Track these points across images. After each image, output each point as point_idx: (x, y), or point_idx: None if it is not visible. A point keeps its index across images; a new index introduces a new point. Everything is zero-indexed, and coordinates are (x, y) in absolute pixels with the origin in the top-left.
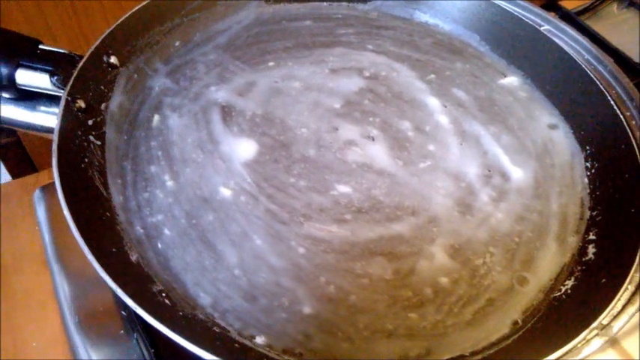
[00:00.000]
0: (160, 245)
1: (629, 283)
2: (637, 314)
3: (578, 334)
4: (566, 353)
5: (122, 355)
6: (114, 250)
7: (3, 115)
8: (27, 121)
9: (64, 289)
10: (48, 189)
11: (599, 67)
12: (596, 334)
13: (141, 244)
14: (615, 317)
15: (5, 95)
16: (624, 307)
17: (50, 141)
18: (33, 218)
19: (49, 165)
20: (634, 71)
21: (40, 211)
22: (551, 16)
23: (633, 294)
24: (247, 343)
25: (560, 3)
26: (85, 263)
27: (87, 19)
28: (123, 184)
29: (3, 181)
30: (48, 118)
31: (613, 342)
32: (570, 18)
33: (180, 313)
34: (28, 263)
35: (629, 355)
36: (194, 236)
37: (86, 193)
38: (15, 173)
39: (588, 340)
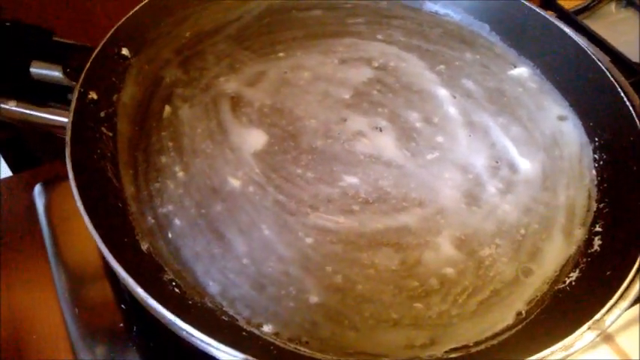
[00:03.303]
0: (170, 235)
1: (633, 276)
2: (630, 309)
3: (580, 326)
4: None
5: (122, 347)
6: (126, 240)
7: (13, 113)
8: (38, 115)
9: (63, 282)
10: (48, 184)
11: (603, 67)
12: (588, 328)
13: (152, 233)
14: (608, 311)
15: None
16: (617, 301)
17: (53, 136)
18: (33, 213)
19: (50, 160)
20: (631, 70)
21: (40, 206)
22: (548, 15)
23: (626, 289)
24: (255, 331)
25: (559, 2)
26: (84, 257)
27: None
28: (134, 175)
29: (3, 176)
30: (57, 113)
31: (607, 338)
32: (568, 17)
33: (190, 302)
34: (28, 258)
35: (623, 352)
36: (204, 226)
37: (98, 184)
38: (15, 168)
39: (581, 334)
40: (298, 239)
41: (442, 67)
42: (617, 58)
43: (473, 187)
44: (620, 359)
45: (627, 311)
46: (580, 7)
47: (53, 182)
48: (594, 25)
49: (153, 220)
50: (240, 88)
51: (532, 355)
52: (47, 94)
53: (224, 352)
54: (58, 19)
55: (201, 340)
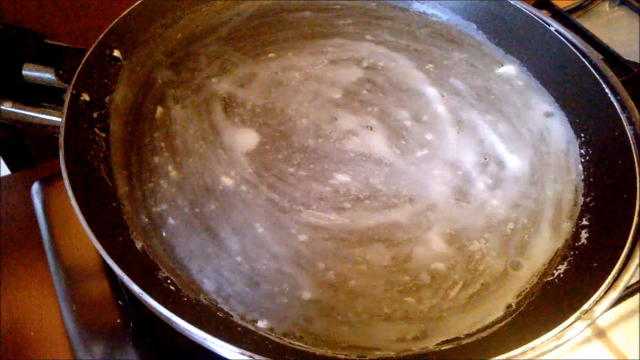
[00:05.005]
0: (164, 234)
1: (620, 267)
2: (622, 304)
3: (568, 317)
4: (563, 334)
5: (119, 343)
6: (120, 239)
7: (9, 114)
8: (33, 116)
9: (61, 279)
10: (46, 182)
11: (588, 64)
12: (578, 317)
13: (146, 232)
14: (598, 302)
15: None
16: (606, 291)
17: (50, 135)
18: (31, 211)
19: (48, 158)
20: (623, 68)
21: (38, 203)
22: (542, 14)
23: (615, 279)
24: (250, 327)
25: (553, 1)
26: (81, 254)
27: (85, 14)
28: (128, 175)
29: (2, 175)
30: (52, 113)
31: (600, 335)
32: (562, 16)
33: (185, 299)
34: (26, 255)
35: (617, 349)
36: (197, 225)
37: (92, 184)
38: (14, 167)
39: (571, 324)
40: (291, 237)
41: (430, 66)
42: (609, 56)
43: (462, 184)
44: (614, 357)
45: (619, 307)
46: (574, 6)
47: (51, 180)
48: (588, 23)
49: (147, 220)
50: (232, 89)
51: (523, 344)
52: (43, 95)
53: (220, 346)
54: (54, 17)
55: (198, 335)
